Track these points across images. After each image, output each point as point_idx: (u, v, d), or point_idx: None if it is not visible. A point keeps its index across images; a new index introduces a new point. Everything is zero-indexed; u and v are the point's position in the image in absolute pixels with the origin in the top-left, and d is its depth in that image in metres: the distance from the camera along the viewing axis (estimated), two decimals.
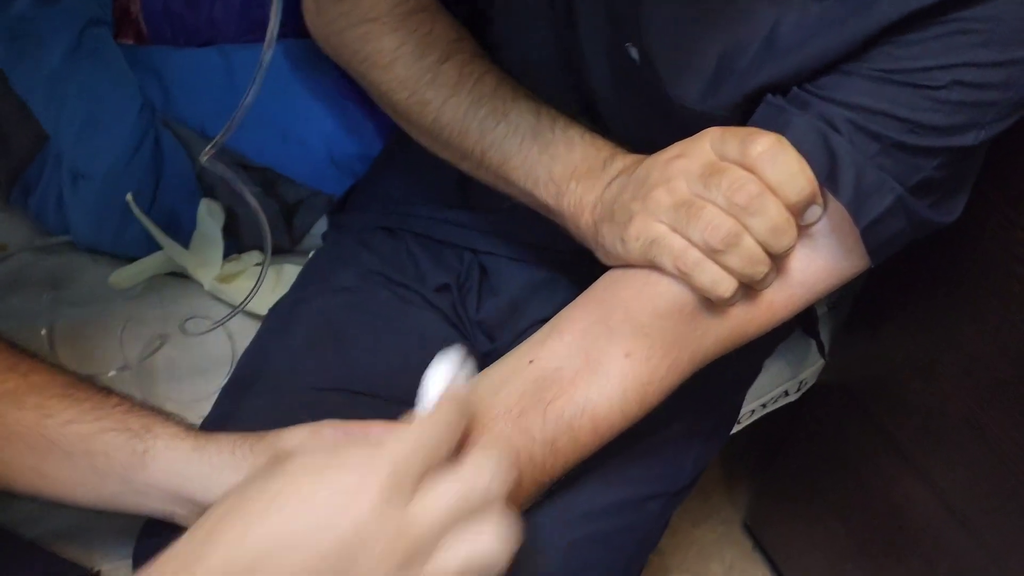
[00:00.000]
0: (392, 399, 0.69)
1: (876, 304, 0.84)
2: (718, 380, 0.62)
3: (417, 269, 0.76)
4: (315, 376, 0.68)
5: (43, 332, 0.82)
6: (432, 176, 0.78)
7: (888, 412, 0.86)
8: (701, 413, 0.70)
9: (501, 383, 0.52)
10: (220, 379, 0.77)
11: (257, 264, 0.92)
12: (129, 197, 0.84)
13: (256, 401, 0.66)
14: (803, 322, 0.87)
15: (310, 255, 0.87)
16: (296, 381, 0.67)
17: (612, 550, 0.60)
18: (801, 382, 0.94)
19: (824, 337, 0.91)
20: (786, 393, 0.94)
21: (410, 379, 0.71)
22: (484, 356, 0.75)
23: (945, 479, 0.81)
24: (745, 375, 0.80)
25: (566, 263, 0.73)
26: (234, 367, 0.73)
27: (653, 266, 0.50)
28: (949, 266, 0.72)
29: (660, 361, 0.51)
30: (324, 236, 0.86)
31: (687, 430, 0.68)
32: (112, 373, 0.80)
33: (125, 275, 0.86)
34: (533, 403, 0.51)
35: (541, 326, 0.72)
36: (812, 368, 0.93)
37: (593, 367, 0.51)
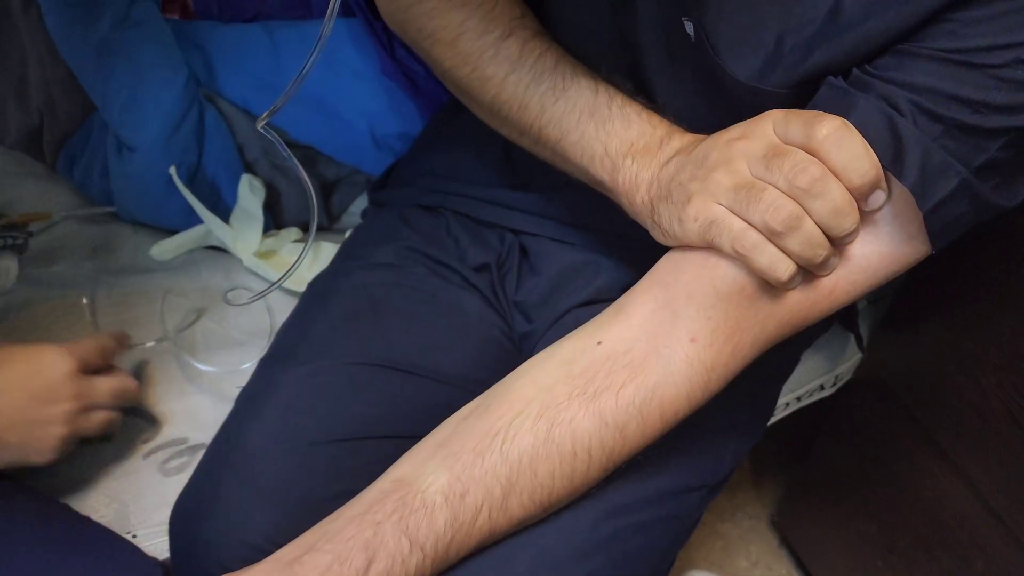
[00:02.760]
0: (428, 376, 0.69)
1: (917, 298, 0.83)
2: (757, 372, 0.61)
3: (457, 248, 0.76)
4: (353, 350, 0.68)
5: (84, 301, 0.83)
6: (476, 155, 0.79)
7: (926, 408, 0.85)
8: (740, 406, 0.69)
9: (570, 361, 0.53)
10: (258, 352, 0.78)
11: (296, 241, 0.92)
12: (172, 170, 0.85)
13: (294, 371, 0.66)
14: (842, 316, 0.86)
15: (347, 234, 0.88)
16: (335, 354, 0.67)
17: (652, 540, 0.60)
18: (837, 376, 0.93)
19: (863, 332, 0.90)
20: (821, 387, 0.93)
21: (447, 358, 0.72)
22: (521, 337, 0.75)
23: (983, 476, 0.80)
24: (784, 368, 0.79)
25: (609, 245, 0.72)
26: (272, 339, 0.73)
27: (711, 247, 0.50)
28: (992, 260, 0.71)
29: (723, 346, 0.51)
30: (363, 213, 0.86)
31: (726, 423, 0.68)
32: (151, 343, 0.81)
33: (167, 247, 0.87)
34: (606, 386, 0.51)
35: (580, 309, 0.72)
36: (849, 363, 0.93)
37: (660, 352, 0.51)
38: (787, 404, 0.91)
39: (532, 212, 0.75)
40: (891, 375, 0.89)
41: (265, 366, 0.70)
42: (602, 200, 0.67)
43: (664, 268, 0.54)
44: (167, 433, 0.76)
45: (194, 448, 0.75)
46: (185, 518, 0.63)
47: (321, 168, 0.96)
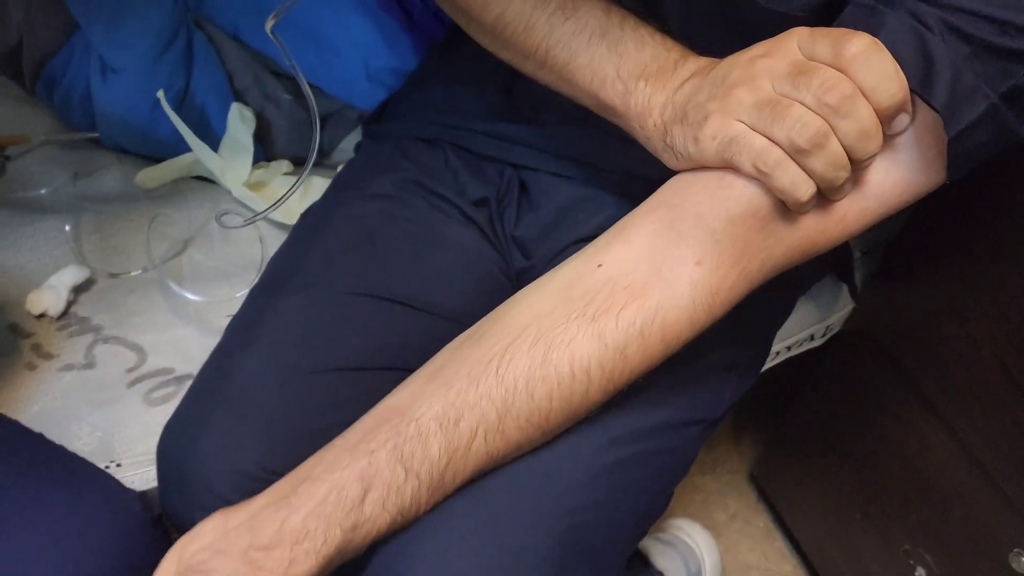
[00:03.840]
0: (424, 310, 0.68)
1: (910, 249, 0.83)
2: (755, 313, 0.61)
3: (456, 181, 0.74)
4: (349, 280, 0.66)
5: (67, 227, 0.81)
6: (475, 89, 0.77)
7: (915, 359, 0.85)
8: (738, 345, 0.69)
9: (569, 285, 0.51)
10: (246, 285, 0.76)
11: (287, 174, 0.90)
12: (160, 93, 0.82)
13: (288, 300, 0.65)
14: (837, 264, 0.86)
15: (338, 169, 0.86)
16: (330, 283, 0.66)
17: (653, 471, 0.59)
18: (828, 327, 0.93)
19: (856, 282, 0.90)
20: (812, 337, 0.93)
21: (444, 291, 0.71)
22: (519, 273, 0.74)
23: (969, 426, 0.81)
24: (781, 311, 0.79)
25: (611, 182, 0.71)
26: (264, 268, 0.72)
27: (728, 167, 0.49)
28: (987, 211, 0.71)
29: (730, 270, 0.50)
30: (357, 147, 0.84)
31: (726, 361, 0.67)
32: (137, 272, 0.79)
33: (152, 175, 0.85)
34: (605, 308, 0.50)
35: (580, 246, 0.71)
36: (840, 313, 0.93)
37: (663, 274, 0.50)
38: (777, 353, 0.92)
39: (533, 146, 0.74)
40: (881, 327, 0.90)
41: (257, 295, 0.68)
42: (605, 136, 0.66)
43: (672, 189, 0.53)
44: (152, 363, 0.74)
45: (180, 379, 0.73)
46: (174, 446, 0.62)
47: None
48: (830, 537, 1.08)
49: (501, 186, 0.75)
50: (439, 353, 0.55)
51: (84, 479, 0.63)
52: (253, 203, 0.85)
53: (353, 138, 0.96)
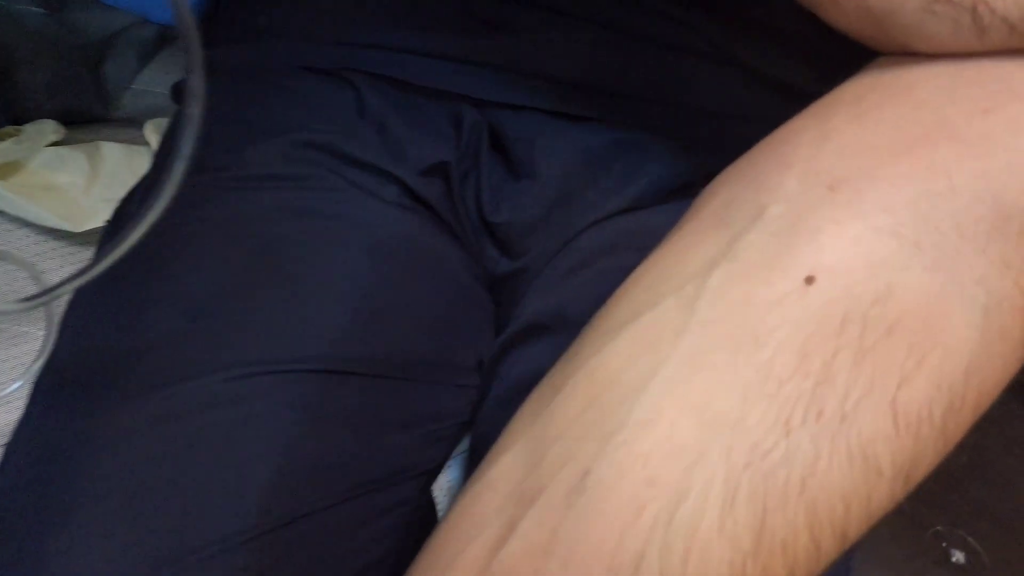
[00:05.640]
0: (370, 372, 0.38)
1: None
2: None
3: (386, 139, 0.43)
4: (238, 351, 0.35)
5: None
6: None
7: None
8: None
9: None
10: (17, 374, 0.41)
11: (52, 144, 0.53)
12: None
13: (125, 416, 0.33)
14: None
15: (145, 128, 0.52)
16: (203, 367, 0.34)
17: None
18: None
19: None
20: None
21: (401, 332, 0.41)
22: (500, 280, 0.45)
23: None
24: None
25: (650, 118, 0.44)
26: (54, 342, 0.38)
27: None
28: None
29: None
30: (176, 89, 0.50)
31: None
32: None
33: None
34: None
35: (606, 225, 0.44)
36: None
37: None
38: None
39: (511, 67, 0.44)
40: None
41: (49, 406, 0.35)
42: (636, 42, 0.40)
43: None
44: None
45: None
46: None
47: (80, 17, 0.56)
48: None
49: (462, 141, 0.44)
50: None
51: None
52: (8, 203, 0.49)
53: (157, 74, 0.60)
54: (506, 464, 0.29)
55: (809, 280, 0.28)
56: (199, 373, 0.34)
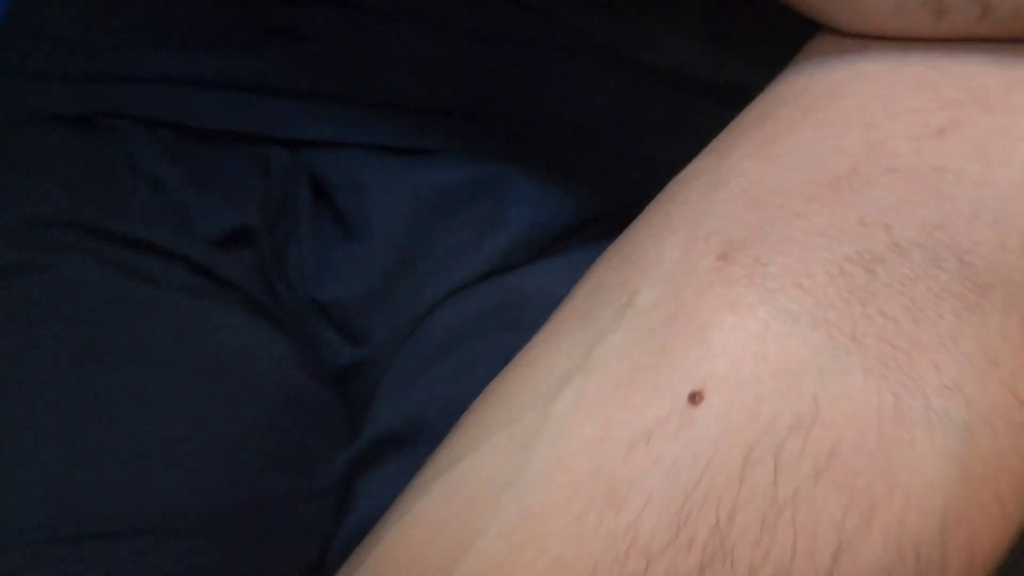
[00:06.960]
0: (149, 532, 0.28)
1: None
2: None
3: (163, 201, 0.33)
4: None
5: None
6: None
7: None
8: None
9: None
10: None
11: None
12: None
13: None
14: None
15: None
16: None
17: None
18: None
19: None
20: None
21: (194, 473, 0.31)
22: (345, 372, 0.35)
23: None
24: None
25: (512, 138, 0.34)
26: None
27: None
28: None
29: None
30: None
31: None
32: None
33: None
34: None
35: (466, 295, 0.34)
36: None
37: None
38: None
39: (325, 92, 0.33)
40: None
41: None
42: (487, 39, 0.31)
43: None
44: None
45: None
46: None
47: None
48: None
49: (272, 195, 0.34)
50: None
51: None
52: None
53: None
54: None
55: (694, 399, 0.19)
56: None
